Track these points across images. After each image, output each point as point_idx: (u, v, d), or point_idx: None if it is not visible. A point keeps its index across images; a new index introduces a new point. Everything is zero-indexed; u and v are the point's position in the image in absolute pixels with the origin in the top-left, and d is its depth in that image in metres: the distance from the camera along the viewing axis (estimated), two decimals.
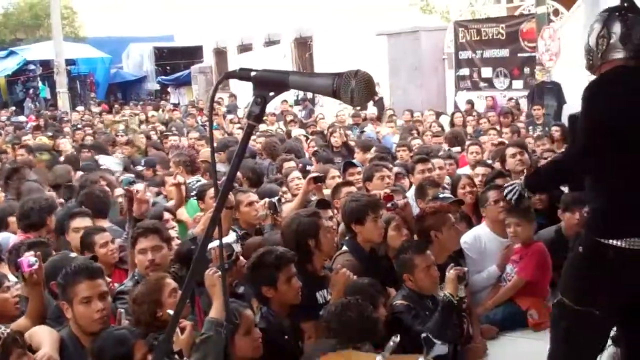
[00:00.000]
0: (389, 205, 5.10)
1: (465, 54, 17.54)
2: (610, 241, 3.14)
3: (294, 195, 6.54)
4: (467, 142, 9.42)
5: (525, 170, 6.86)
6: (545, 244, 5.71)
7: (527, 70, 16.12)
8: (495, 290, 5.40)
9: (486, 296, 5.40)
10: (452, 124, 13.55)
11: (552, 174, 3.54)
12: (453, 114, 14.99)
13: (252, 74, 1.57)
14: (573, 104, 12.42)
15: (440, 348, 1.79)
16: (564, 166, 3.42)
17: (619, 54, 3.24)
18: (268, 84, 1.56)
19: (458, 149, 9.07)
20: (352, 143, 10.83)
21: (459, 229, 5.08)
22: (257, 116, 1.55)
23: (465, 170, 8.12)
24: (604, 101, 3.12)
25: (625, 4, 3.30)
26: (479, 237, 5.58)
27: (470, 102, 16.50)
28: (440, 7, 20.68)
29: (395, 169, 7.10)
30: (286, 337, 3.88)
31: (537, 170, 3.74)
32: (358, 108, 14.72)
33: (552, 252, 5.61)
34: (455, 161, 8.25)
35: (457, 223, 5.17)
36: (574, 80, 12.44)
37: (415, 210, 6.18)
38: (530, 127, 12.66)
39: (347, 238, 4.90)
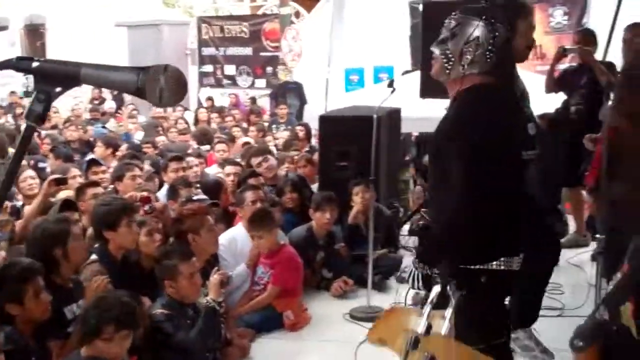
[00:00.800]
0: (146, 208, 4.85)
1: (208, 51, 17.54)
2: (481, 266, 2.94)
3: (27, 197, 5.96)
4: (215, 140, 9.37)
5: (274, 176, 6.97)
6: (296, 242, 5.85)
7: (269, 69, 16.51)
8: (249, 293, 5.38)
9: (238, 297, 5.35)
10: (196, 121, 13.42)
11: (439, 241, 3.05)
12: (197, 109, 14.88)
13: (34, 64, 1.31)
14: (314, 104, 12.94)
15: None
16: (449, 228, 2.98)
17: (478, 68, 2.97)
18: (54, 78, 1.30)
19: (207, 147, 8.97)
20: (90, 139, 10.28)
21: (217, 231, 4.97)
22: (38, 116, 1.30)
23: (213, 169, 8.05)
24: (473, 128, 2.87)
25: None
26: (234, 238, 5.53)
27: (210, 99, 16.50)
28: (183, 2, 20.45)
29: (146, 168, 6.81)
30: (33, 358, 3.50)
31: (422, 243, 3.17)
32: (97, 102, 14.05)
33: (304, 250, 5.76)
34: (205, 159, 8.14)
35: (216, 225, 5.06)
36: (315, 81, 12.98)
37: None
38: (274, 126, 12.95)
39: (96, 245, 4.54)
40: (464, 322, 2.92)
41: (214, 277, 4.36)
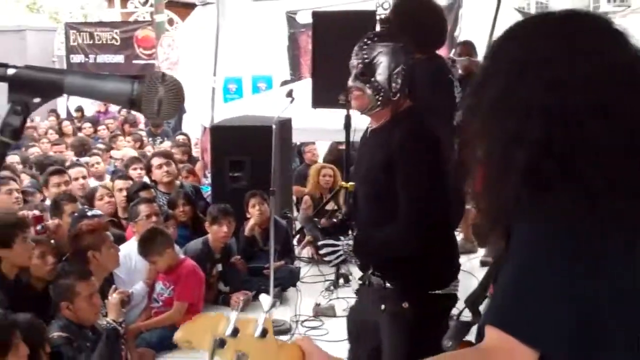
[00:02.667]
0: (38, 227, 4.54)
1: (77, 58, 16.91)
2: (440, 291, 2.96)
3: None
4: (91, 152, 9.00)
5: (171, 182, 6.74)
6: (192, 256, 5.67)
7: None
8: (147, 310, 5.18)
9: (136, 315, 5.14)
10: (60, 133, 12.83)
11: (383, 250, 2.98)
12: (61, 121, 14.26)
13: (9, 71, 1.15)
14: (193, 114, 12.69)
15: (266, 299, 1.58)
16: (395, 245, 2.92)
17: (405, 91, 2.98)
18: (32, 87, 1.14)
19: (87, 158, 8.57)
20: None
21: (117, 247, 4.73)
22: (15, 131, 1.14)
23: (92, 182, 7.71)
24: (427, 146, 2.87)
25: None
26: (129, 255, 5.28)
27: (79, 110, 15.90)
28: (48, 7, 19.56)
29: (25, 182, 6.43)
30: None
31: (368, 240, 3.01)
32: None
33: (200, 264, 5.59)
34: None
35: None
36: (193, 91, 12.72)
37: None
38: (150, 139, 12.57)
39: None
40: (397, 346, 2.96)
41: (114, 297, 4.13)
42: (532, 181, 1.34)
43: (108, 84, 1.17)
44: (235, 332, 1.37)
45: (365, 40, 3.00)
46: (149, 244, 5.10)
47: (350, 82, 3.01)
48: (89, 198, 6.28)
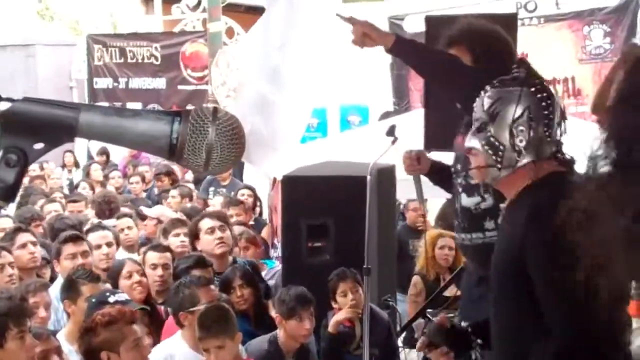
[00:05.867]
0: None
1: (103, 82, 17.38)
2: None
3: None
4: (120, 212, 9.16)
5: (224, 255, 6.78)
6: (257, 357, 5.68)
7: (192, 108, 16.42)
8: None
9: None
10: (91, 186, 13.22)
11: None
12: (89, 165, 14.71)
13: (2, 106, 1.14)
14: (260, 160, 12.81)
15: None
16: None
17: (547, 151, 3.04)
18: (32, 128, 1.13)
19: (114, 221, 8.72)
20: None
21: (146, 346, 4.74)
22: (8, 189, 1.10)
23: (122, 253, 7.79)
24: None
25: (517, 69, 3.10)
26: (170, 356, 5.33)
27: (104, 152, 16.37)
28: (65, 14, 20.30)
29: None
30: None
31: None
32: None
33: None
34: (116, 238, 7.85)
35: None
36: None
37: (61, 314, 5.79)
38: (211, 189, 12.70)
39: None
40: None
41: None
42: None
43: (139, 123, 1.14)
44: None
45: (487, 88, 3.09)
46: (216, 323, 5.08)
47: (467, 144, 3.12)
48: (114, 276, 6.35)
